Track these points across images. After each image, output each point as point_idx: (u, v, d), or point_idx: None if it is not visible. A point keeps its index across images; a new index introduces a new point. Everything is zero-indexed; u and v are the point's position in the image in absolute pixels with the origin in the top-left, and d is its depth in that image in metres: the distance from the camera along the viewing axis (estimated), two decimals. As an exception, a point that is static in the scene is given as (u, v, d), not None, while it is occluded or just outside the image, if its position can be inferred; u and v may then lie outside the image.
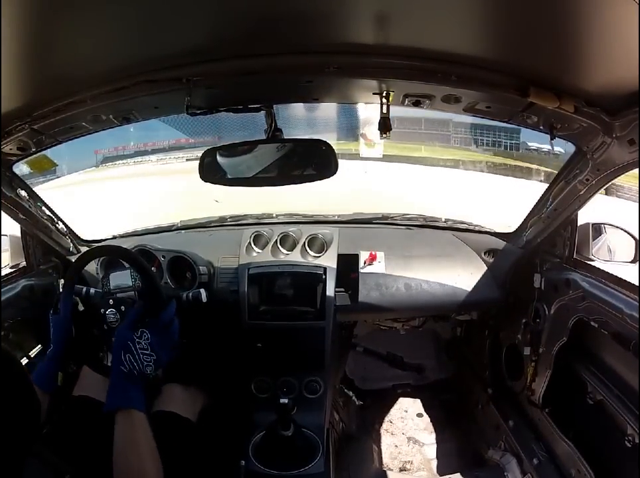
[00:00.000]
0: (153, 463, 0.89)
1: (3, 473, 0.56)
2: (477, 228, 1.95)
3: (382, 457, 1.85)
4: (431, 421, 2.06)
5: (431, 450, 1.91)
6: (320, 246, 1.70)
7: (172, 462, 0.94)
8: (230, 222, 2.03)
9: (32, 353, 1.56)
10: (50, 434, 1.11)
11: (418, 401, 2.15)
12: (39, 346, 1.59)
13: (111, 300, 1.24)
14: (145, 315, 1.01)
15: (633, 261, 1.49)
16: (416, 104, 1.05)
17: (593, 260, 1.49)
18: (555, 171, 1.42)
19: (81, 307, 1.26)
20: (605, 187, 1.23)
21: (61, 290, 1.17)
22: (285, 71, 0.93)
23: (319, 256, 1.69)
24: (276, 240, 1.71)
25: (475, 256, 1.75)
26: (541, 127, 1.08)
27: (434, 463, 1.84)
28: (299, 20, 0.76)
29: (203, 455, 1.32)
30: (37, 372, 1.02)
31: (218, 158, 1.14)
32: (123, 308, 1.20)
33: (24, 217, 1.44)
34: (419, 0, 0.69)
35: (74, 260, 1.66)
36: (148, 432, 0.92)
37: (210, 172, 1.15)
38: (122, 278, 1.44)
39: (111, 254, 1.49)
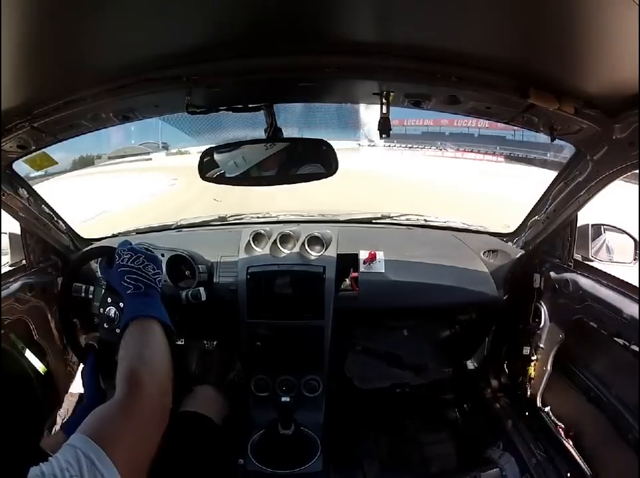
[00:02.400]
0: (160, 367, 0.77)
1: (6, 473, 0.56)
2: (476, 228, 1.95)
3: (380, 457, 1.85)
4: (430, 420, 2.06)
5: (429, 449, 1.91)
6: (320, 245, 1.70)
7: (180, 460, 0.92)
8: (230, 221, 2.04)
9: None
10: None
11: (417, 400, 2.15)
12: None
13: (109, 298, 1.23)
14: (110, 258, 1.04)
15: (631, 262, 1.49)
16: (416, 105, 1.05)
17: (592, 261, 1.49)
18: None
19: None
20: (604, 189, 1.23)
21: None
22: (286, 71, 0.93)
23: (319, 255, 1.69)
24: (276, 239, 1.71)
25: (474, 256, 1.75)
26: (541, 129, 1.08)
27: (433, 463, 1.84)
28: (299, 20, 0.76)
29: (201, 452, 1.32)
30: (69, 423, 1.02)
31: (217, 157, 1.14)
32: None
33: (24, 215, 1.44)
34: (420, 1, 0.69)
35: (72, 258, 1.67)
36: (158, 333, 0.83)
37: (209, 171, 1.15)
38: None
39: (108, 254, 1.49)
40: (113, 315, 1.15)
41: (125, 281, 0.92)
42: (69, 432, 0.97)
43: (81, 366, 1.14)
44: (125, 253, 0.97)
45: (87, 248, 1.51)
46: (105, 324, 1.14)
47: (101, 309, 1.16)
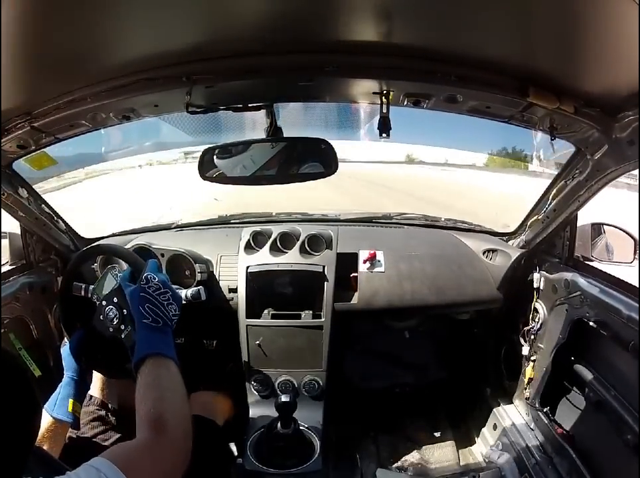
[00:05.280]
0: (182, 410, 0.79)
1: (3, 474, 0.55)
2: (476, 228, 1.95)
3: (379, 457, 1.85)
4: (429, 420, 2.06)
5: (429, 450, 1.91)
6: (320, 245, 1.70)
7: None
8: (230, 220, 2.04)
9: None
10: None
11: (417, 400, 2.15)
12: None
13: (115, 298, 1.22)
14: (136, 271, 1.02)
15: (631, 262, 1.49)
16: (416, 104, 1.05)
17: (592, 260, 1.49)
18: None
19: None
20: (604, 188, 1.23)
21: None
22: (285, 70, 0.93)
23: (318, 255, 1.69)
24: (275, 239, 1.71)
25: (474, 256, 1.75)
26: (541, 128, 1.08)
27: (432, 463, 1.84)
28: (298, 19, 0.76)
29: (201, 452, 1.32)
30: (51, 402, 1.03)
31: (218, 156, 1.14)
32: (125, 311, 1.17)
33: (23, 215, 1.44)
34: (420, 0, 0.69)
35: (72, 258, 1.67)
36: (177, 377, 0.85)
37: (209, 170, 1.15)
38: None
39: (108, 253, 1.49)
40: (112, 315, 1.14)
41: (144, 309, 0.92)
42: (52, 410, 0.98)
43: (65, 342, 1.13)
44: (154, 281, 0.96)
45: (83, 249, 1.51)
46: (100, 316, 1.14)
47: (104, 302, 1.15)
